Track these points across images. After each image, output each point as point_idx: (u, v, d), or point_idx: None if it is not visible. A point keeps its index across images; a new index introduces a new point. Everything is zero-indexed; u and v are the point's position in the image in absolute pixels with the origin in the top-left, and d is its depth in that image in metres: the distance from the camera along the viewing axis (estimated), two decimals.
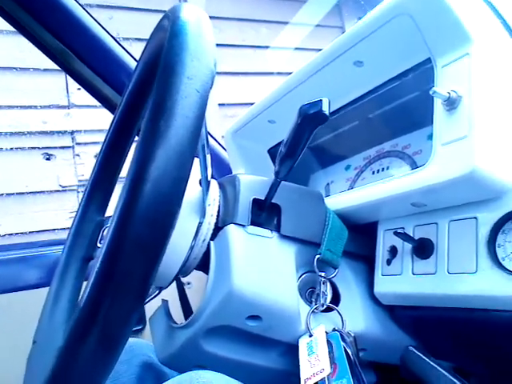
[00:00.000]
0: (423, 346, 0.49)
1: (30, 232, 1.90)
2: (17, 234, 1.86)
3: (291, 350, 0.47)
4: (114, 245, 0.29)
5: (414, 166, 0.58)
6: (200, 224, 0.47)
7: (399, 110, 0.61)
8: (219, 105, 2.43)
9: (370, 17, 0.49)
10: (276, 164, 0.45)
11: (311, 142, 0.77)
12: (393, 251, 0.50)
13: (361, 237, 0.55)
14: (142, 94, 0.49)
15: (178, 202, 0.31)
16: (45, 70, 2.01)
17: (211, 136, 1.05)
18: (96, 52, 0.87)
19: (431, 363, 0.42)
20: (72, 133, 2.10)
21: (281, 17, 2.49)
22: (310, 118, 0.40)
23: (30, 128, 2.00)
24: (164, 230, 0.30)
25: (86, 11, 0.86)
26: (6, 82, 1.99)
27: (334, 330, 0.47)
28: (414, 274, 0.46)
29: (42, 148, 2.04)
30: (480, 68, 0.40)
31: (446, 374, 0.40)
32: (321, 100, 0.39)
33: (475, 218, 0.41)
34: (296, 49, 2.48)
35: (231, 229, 0.47)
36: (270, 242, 0.48)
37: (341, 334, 0.46)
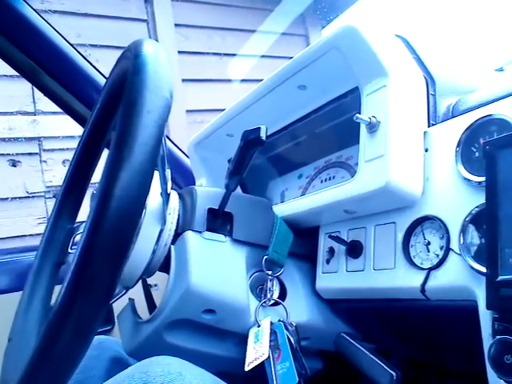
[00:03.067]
0: (357, 332, 0.57)
1: None
2: None
3: (245, 340, 0.54)
4: (84, 254, 0.35)
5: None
6: (161, 231, 0.53)
7: (342, 126, 0.69)
8: (187, 111, 2.46)
9: (310, 48, 0.57)
10: (225, 178, 0.52)
11: (269, 152, 0.85)
12: (331, 252, 0.58)
13: (305, 239, 0.62)
14: (109, 112, 0.55)
15: (138, 216, 0.38)
16: (11, 76, 2.01)
17: (176, 146, 1.11)
18: (65, 68, 0.91)
19: (357, 345, 0.50)
20: (39, 139, 2.09)
21: (248, 25, 2.56)
22: (250, 143, 0.47)
23: None
24: (126, 239, 0.37)
25: (56, 30, 0.90)
26: None
27: (280, 320, 0.55)
28: (347, 271, 0.54)
29: (8, 155, 2.02)
30: (395, 98, 0.48)
31: (368, 353, 0.48)
32: (259, 128, 0.46)
33: (394, 223, 0.49)
34: (262, 56, 2.55)
35: (189, 235, 0.53)
36: (223, 246, 0.55)
37: (284, 324, 0.53)
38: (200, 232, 0.54)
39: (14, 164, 2.05)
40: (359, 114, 0.50)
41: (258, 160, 0.86)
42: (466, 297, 0.42)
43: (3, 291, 0.94)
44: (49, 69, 0.89)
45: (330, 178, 0.74)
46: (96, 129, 0.57)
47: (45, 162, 2.07)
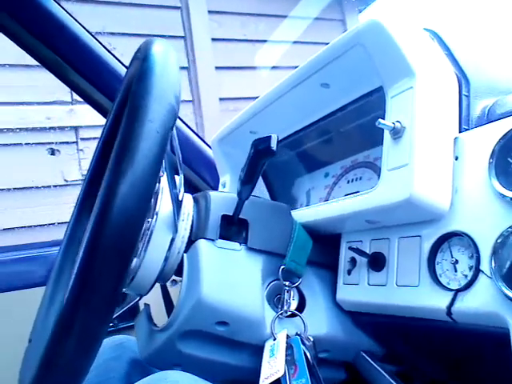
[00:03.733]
0: (379, 347, 0.54)
1: (36, 226, 1.96)
2: (23, 227, 1.92)
3: (260, 351, 0.52)
4: (85, 265, 0.34)
5: None
6: (173, 239, 0.51)
7: (368, 125, 0.64)
8: (220, 99, 2.45)
9: (333, 44, 0.53)
10: (237, 187, 0.49)
11: (296, 148, 0.82)
12: (353, 262, 0.54)
13: (326, 247, 0.59)
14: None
15: (138, 229, 0.36)
16: None
17: (204, 142, 1.08)
18: (88, 61, 0.91)
19: (377, 367, 0.47)
20: (76, 128, 2.13)
21: (281, 11, 2.50)
22: (260, 152, 0.44)
23: (34, 124, 2.04)
24: (126, 252, 0.35)
25: (79, 23, 0.90)
26: (10, 79, 2.03)
27: (297, 334, 0.52)
28: (369, 285, 0.51)
29: (47, 143, 2.08)
30: (422, 101, 0.43)
31: (388, 377, 0.45)
32: (270, 137, 0.43)
33: (419, 236, 0.46)
34: (295, 42, 2.48)
35: (201, 243, 0.51)
36: (237, 255, 0.52)
37: (301, 339, 0.50)
38: (213, 240, 0.52)
39: (52, 152, 2.10)
40: (382, 118, 0.46)
41: (285, 156, 0.83)
42: (497, 323, 0.38)
43: (36, 284, 0.96)
44: (72, 62, 0.88)
45: (356, 179, 0.70)
46: (117, 122, 0.55)
47: (81, 150, 2.11)
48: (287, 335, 0.52)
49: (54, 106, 2.10)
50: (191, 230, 0.53)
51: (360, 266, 0.53)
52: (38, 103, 2.07)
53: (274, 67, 2.45)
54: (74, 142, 2.13)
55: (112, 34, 2.01)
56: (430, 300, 0.43)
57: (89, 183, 0.57)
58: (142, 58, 0.41)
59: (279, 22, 2.52)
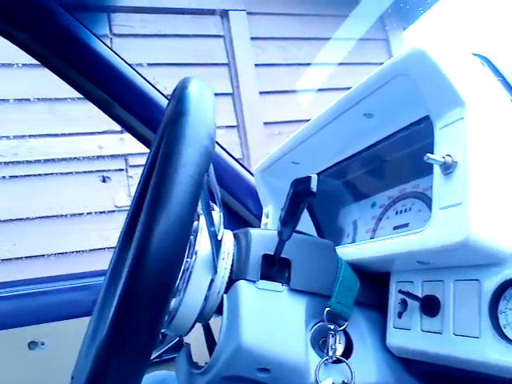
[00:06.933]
0: None
1: (88, 250, 2.03)
2: (77, 251, 1.99)
3: None
4: (120, 309, 0.33)
5: None
6: (212, 280, 0.50)
7: (416, 154, 0.61)
8: (264, 124, 2.46)
9: (375, 74, 0.50)
10: (278, 226, 0.47)
11: (341, 178, 0.79)
12: (404, 304, 0.50)
13: (374, 286, 0.55)
14: None
15: (173, 273, 0.35)
16: None
17: (248, 171, 1.07)
18: (132, 96, 0.93)
19: None
20: (125, 156, 2.20)
21: (324, 33, 2.50)
22: (300, 194, 0.42)
23: (87, 153, 2.13)
24: (166, 289, 0.34)
25: (127, 63, 0.92)
26: (64, 111, 2.13)
27: (343, 383, 0.49)
28: (422, 331, 0.47)
29: (98, 171, 2.16)
30: (475, 133, 0.40)
31: None
32: (310, 177, 0.41)
33: (478, 280, 0.41)
34: (340, 64, 2.47)
35: (241, 285, 0.49)
36: (279, 296, 0.50)
37: None
38: (254, 281, 0.50)
39: (103, 180, 2.19)
40: (432, 148, 0.43)
41: (329, 185, 0.80)
42: None
43: (84, 314, 0.97)
44: (116, 97, 0.91)
45: (405, 210, 0.66)
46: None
47: (131, 177, 2.18)
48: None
49: (105, 135, 2.19)
50: (231, 269, 0.52)
51: (411, 310, 0.49)
52: (91, 133, 2.16)
53: (319, 89, 2.43)
54: (123, 170, 2.19)
55: (157, 64, 2.08)
56: (493, 354, 0.38)
57: (131, 218, 0.57)
58: (177, 100, 0.41)
59: (322, 44, 2.52)
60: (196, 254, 0.50)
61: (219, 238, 0.50)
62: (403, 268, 0.51)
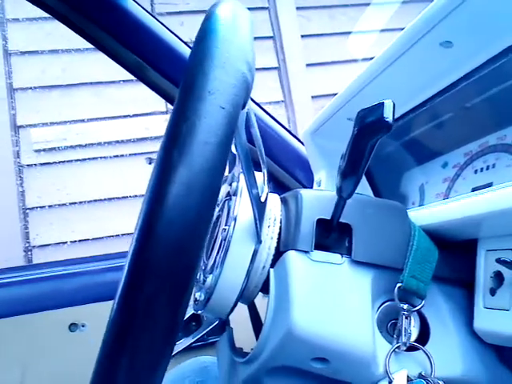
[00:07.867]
0: None
1: None
2: (129, 234, 2.00)
3: None
4: (131, 276, 0.25)
5: None
6: (256, 251, 0.41)
7: (505, 96, 0.49)
8: (312, 97, 2.36)
9: None
10: (336, 181, 0.37)
11: (403, 136, 0.68)
12: (498, 278, 0.39)
13: (457, 257, 0.45)
14: None
15: (199, 236, 0.26)
16: None
17: (296, 138, 0.98)
18: (168, 60, 0.86)
19: None
20: None
21: None
22: (369, 128, 0.32)
23: (133, 135, 2.13)
24: (190, 255, 0.26)
25: (159, 21, 0.85)
26: (110, 94, 2.13)
27: (421, 375, 0.39)
28: None
29: (145, 153, 2.15)
30: None
31: None
32: (382, 103, 0.31)
33: None
34: (382, 31, 2.29)
35: (292, 256, 0.40)
36: (339, 270, 0.41)
37: (427, 383, 0.37)
38: (307, 252, 0.41)
39: (150, 162, 2.18)
40: None
41: (389, 147, 0.70)
42: None
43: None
44: (152, 62, 0.84)
45: (488, 167, 0.55)
46: None
47: None
48: (408, 377, 0.39)
49: (151, 116, 2.17)
50: (279, 238, 0.43)
51: (509, 285, 0.38)
52: (137, 115, 2.15)
53: (364, 59, 2.29)
54: None
55: None
56: None
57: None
58: (205, 18, 0.32)
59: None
60: (235, 220, 0.42)
61: (263, 200, 0.41)
62: (495, 233, 0.40)
